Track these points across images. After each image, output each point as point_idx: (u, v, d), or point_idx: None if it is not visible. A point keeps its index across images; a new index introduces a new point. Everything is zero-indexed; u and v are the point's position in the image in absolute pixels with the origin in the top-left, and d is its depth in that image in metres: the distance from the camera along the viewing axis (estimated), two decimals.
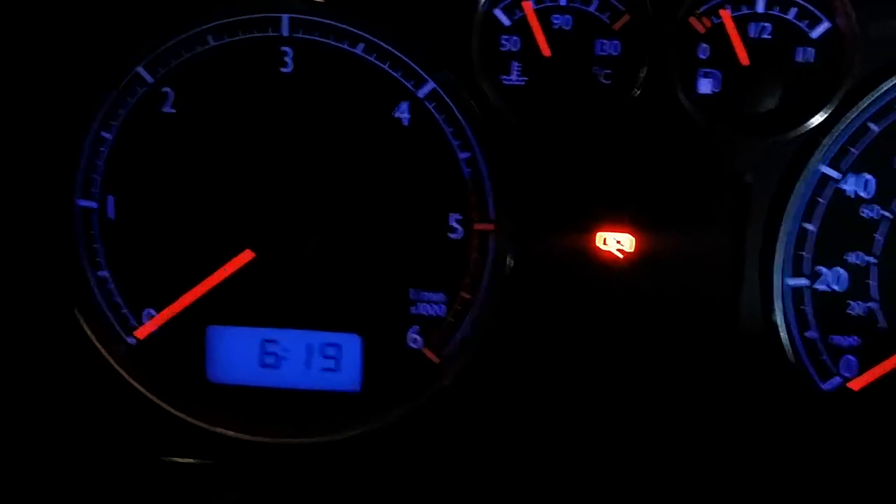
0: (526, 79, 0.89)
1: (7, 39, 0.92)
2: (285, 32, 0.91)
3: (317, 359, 1.01)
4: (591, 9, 0.88)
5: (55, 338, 1.00)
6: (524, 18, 0.88)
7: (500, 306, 0.96)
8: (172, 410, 1.01)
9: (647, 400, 0.97)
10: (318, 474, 1.02)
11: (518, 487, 0.99)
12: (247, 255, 0.96)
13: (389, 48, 0.91)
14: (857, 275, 0.93)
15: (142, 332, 1.00)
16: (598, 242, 0.93)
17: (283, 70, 0.92)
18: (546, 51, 0.88)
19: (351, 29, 0.91)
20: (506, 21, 0.89)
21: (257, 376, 1.01)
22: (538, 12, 0.88)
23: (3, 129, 0.94)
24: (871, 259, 0.93)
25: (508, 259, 0.94)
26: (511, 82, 0.90)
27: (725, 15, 0.87)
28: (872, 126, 0.90)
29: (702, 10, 0.87)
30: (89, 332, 0.99)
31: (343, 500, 1.01)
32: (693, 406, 0.97)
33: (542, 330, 0.96)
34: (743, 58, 0.87)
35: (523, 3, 0.88)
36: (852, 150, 0.90)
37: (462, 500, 1.00)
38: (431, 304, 0.98)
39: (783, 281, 0.94)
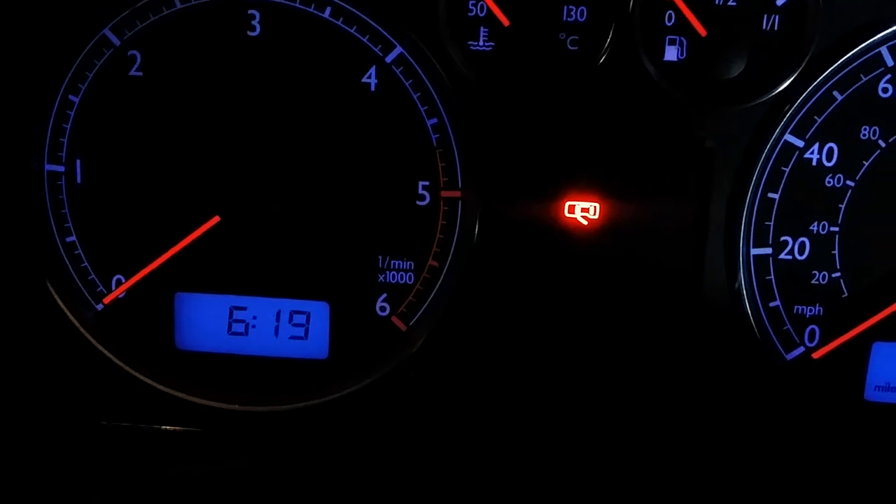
0: (493, 44, 0.89)
1: None
2: None
3: (285, 326, 1.01)
4: None
5: (23, 303, 0.99)
6: None
7: (467, 274, 0.96)
8: (140, 377, 1.01)
9: (612, 367, 0.98)
10: (286, 441, 1.02)
11: (484, 454, 1.00)
12: (214, 220, 0.96)
13: (356, 12, 0.91)
14: (821, 244, 0.94)
15: (110, 298, 1.00)
16: (565, 209, 0.94)
17: (251, 34, 0.92)
18: (505, 21, 0.88)
19: None
20: None
21: (225, 344, 1.02)
22: None
23: None
24: (835, 228, 0.94)
25: (476, 226, 0.94)
26: (478, 48, 0.90)
27: None
28: (836, 94, 0.90)
29: None
30: (57, 298, 0.99)
31: (310, 468, 1.01)
32: (656, 373, 0.97)
33: (508, 297, 0.97)
34: (700, 29, 0.87)
35: None
36: (816, 118, 0.91)
37: (428, 467, 1.00)
38: (399, 272, 0.98)
39: (747, 250, 0.94)
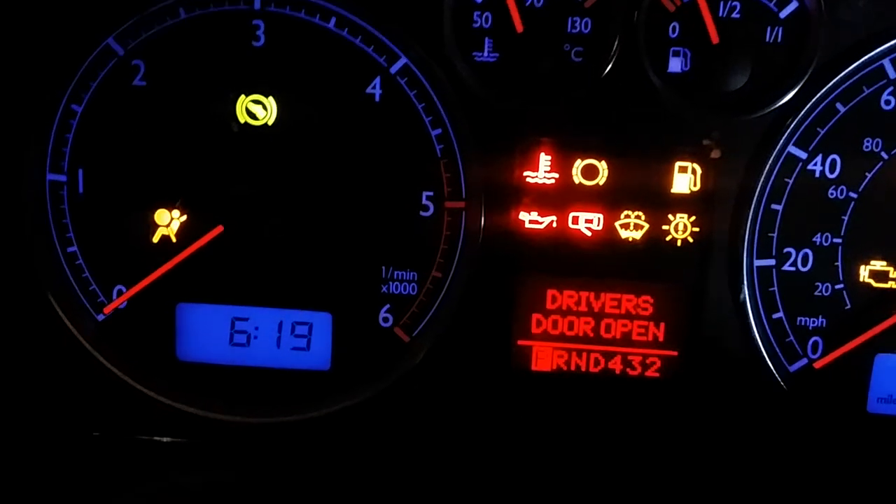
0: (498, 55, 0.90)
1: None
2: (257, 6, 0.91)
3: (287, 337, 1.01)
4: None
5: (24, 314, 0.99)
6: None
7: (470, 284, 0.96)
8: (141, 388, 1.01)
9: (614, 378, 0.98)
10: (287, 453, 1.01)
11: (486, 465, 1.00)
12: (217, 230, 0.96)
13: (361, 23, 0.91)
14: (824, 256, 0.94)
15: (110, 308, 0.99)
16: (568, 220, 0.94)
17: (255, 44, 0.92)
18: (519, 26, 0.88)
19: (322, 3, 0.91)
20: None
21: (227, 355, 1.01)
22: None
23: None
24: (838, 240, 0.94)
25: (479, 237, 0.94)
26: (483, 59, 0.90)
27: None
28: (839, 106, 0.90)
29: None
30: (58, 308, 0.99)
31: (311, 480, 1.01)
32: (658, 384, 0.97)
33: (511, 308, 0.97)
34: (713, 36, 0.87)
35: None
36: (819, 130, 0.91)
37: (430, 479, 1.00)
38: (403, 283, 0.98)
39: (750, 262, 0.94)
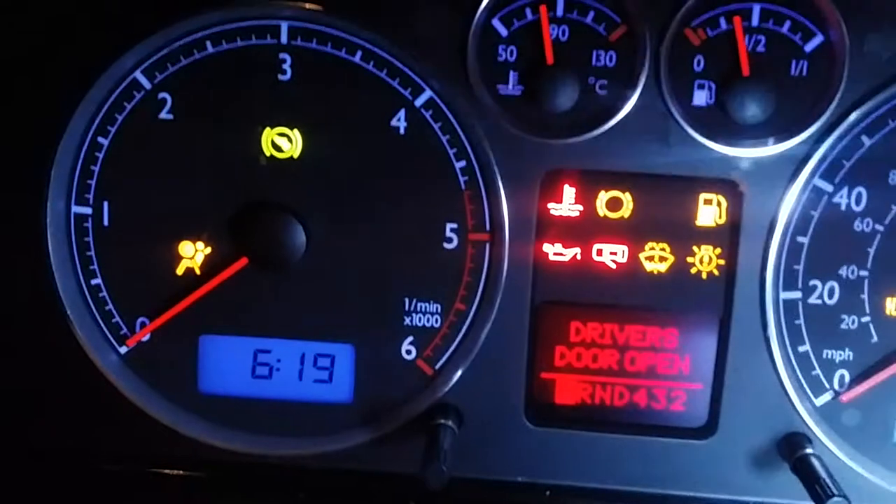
0: (522, 88, 0.90)
1: (7, 38, 0.92)
2: (284, 39, 0.92)
3: (309, 370, 1.00)
4: (588, 20, 0.89)
5: (47, 345, 0.99)
6: (522, 29, 0.89)
7: (493, 317, 0.96)
8: (163, 420, 1.00)
9: (635, 411, 0.98)
10: (309, 486, 1.01)
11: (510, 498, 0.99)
12: (241, 262, 0.96)
13: (387, 56, 0.91)
14: (850, 289, 0.94)
15: (133, 340, 0.99)
16: (593, 252, 0.94)
17: (281, 77, 0.92)
18: (550, 58, 0.88)
19: (349, 37, 0.91)
20: (503, 31, 0.89)
21: (249, 387, 1.01)
22: (537, 22, 0.89)
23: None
24: (864, 273, 0.93)
25: (504, 269, 0.94)
26: (507, 92, 0.90)
27: (738, 21, 0.87)
28: (865, 139, 0.90)
29: (696, 22, 0.88)
30: (81, 341, 0.99)
31: None
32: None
33: (534, 340, 0.96)
34: (745, 68, 0.87)
35: (541, 7, 0.88)
36: (845, 162, 0.91)
37: None
38: (426, 315, 0.98)
39: (776, 294, 0.94)
